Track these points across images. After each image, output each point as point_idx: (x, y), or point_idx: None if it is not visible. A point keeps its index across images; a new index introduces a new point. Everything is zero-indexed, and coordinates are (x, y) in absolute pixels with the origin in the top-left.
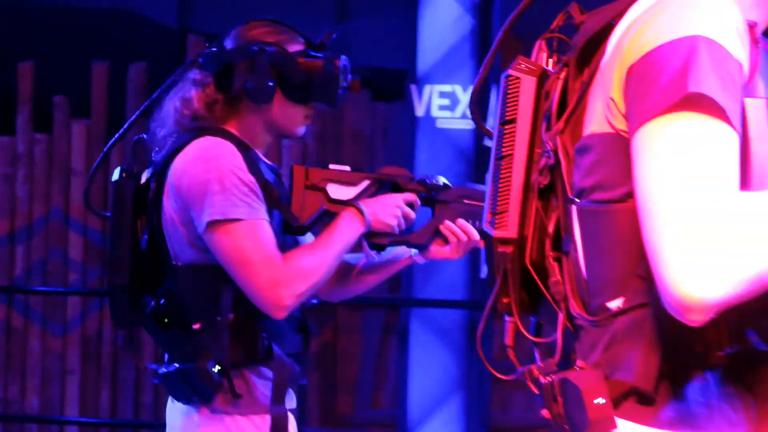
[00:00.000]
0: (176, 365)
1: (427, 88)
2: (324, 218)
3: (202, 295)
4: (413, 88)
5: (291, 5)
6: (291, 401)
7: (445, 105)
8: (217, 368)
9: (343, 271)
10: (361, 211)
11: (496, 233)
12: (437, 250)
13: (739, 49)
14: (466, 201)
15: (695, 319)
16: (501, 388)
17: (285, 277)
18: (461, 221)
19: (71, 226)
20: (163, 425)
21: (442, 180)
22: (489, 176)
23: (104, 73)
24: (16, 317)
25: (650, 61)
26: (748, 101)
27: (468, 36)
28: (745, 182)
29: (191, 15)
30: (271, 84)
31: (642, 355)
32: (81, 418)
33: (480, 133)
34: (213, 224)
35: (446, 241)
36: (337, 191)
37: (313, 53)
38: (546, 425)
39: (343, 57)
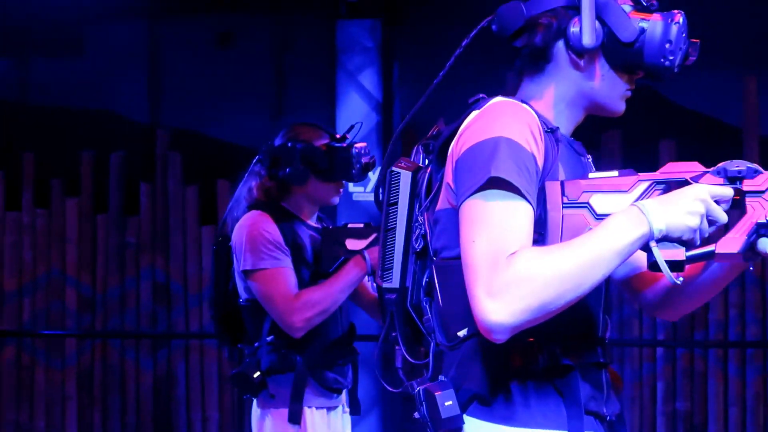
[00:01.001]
0: (233, 371)
1: None
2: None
3: (253, 323)
4: None
5: (235, 105)
6: (331, 401)
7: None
8: (256, 374)
9: None
10: (363, 258)
11: (384, 285)
12: None
13: (533, 146)
14: None
15: (497, 338)
16: (411, 404)
17: (295, 307)
18: None
19: (67, 281)
20: None
21: None
22: (380, 244)
23: (90, 160)
24: (25, 356)
25: (468, 154)
26: (547, 183)
27: (374, 128)
28: (544, 239)
29: (159, 113)
30: (302, 170)
31: (480, 370)
32: None
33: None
34: (246, 272)
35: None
36: (353, 244)
37: (335, 144)
38: None
39: (358, 145)
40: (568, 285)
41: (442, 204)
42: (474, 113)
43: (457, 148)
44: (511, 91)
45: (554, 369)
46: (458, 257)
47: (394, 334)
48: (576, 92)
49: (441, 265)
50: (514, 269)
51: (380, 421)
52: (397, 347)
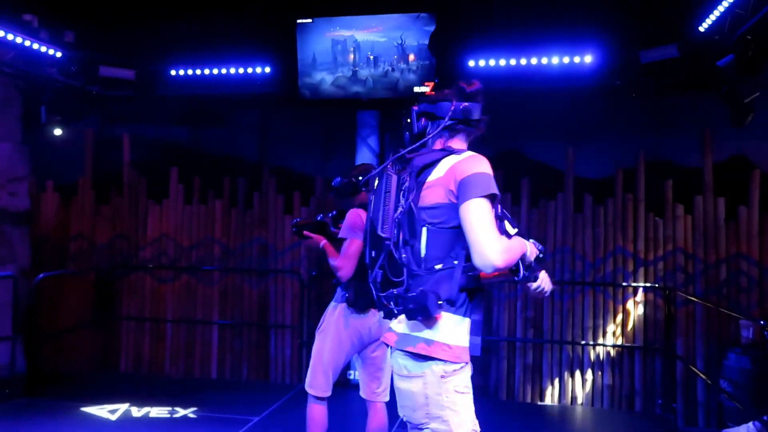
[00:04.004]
0: None
1: None
2: None
3: None
4: None
5: (304, 153)
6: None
7: None
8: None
9: None
10: None
11: (381, 234)
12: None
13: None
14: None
15: (488, 272)
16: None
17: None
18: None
19: (215, 242)
20: None
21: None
22: (380, 214)
23: (229, 180)
24: (192, 281)
25: (472, 177)
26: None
27: (376, 166)
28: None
29: (265, 156)
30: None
31: (449, 286)
32: None
33: None
34: None
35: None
36: None
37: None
38: None
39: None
40: (516, 256)
41: (439, 198)
42: (453, 156)
43: (456, 172)
44: (443, 144)
45: (479, 290)
46: (449, 227)
47: (383, 263)
48: (470, 142)
49: (435, 230)
50: (505, 243)
51: None
52: (381, 270)
